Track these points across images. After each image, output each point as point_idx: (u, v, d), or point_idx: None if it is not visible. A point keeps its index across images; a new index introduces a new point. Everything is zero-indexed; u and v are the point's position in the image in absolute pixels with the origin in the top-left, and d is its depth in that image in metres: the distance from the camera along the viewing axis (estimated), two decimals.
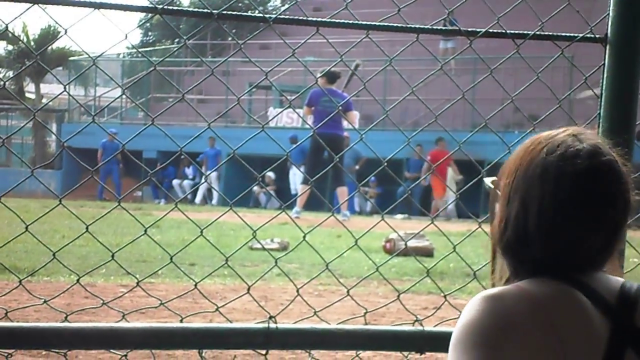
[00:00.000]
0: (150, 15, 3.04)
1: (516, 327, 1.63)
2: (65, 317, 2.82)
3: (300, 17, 2.91)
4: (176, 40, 36.85)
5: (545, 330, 1.63)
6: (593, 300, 1.67)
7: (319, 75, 13.80)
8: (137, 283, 2.98)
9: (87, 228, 2.91)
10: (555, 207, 1.69)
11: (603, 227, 1.70)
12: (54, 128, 29.48)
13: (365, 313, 3.20)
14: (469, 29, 3.06)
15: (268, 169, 3.84)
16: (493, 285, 1.81)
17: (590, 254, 1.71)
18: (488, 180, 1.89)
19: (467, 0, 3.03)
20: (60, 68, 31.66)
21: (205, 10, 2.84)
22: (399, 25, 2.95)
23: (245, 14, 3.28)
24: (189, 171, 26.31)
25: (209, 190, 24.42)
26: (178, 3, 36.12)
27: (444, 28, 3.25)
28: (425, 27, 3.01)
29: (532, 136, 1.79)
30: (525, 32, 3.10)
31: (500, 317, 1.64)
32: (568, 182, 1.69)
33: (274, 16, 2.85)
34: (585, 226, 1.69)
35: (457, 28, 2.99)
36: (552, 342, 1.62)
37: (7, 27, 2.98)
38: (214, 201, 24.29)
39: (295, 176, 22.08)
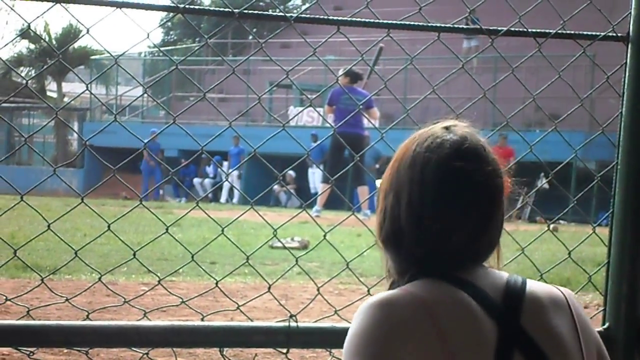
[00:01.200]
0: (171, 14, 3.05)
1: (405, 333, 1.61)
2: (87, 316, 2.83)
3: (321, 16, 2.91)
4: (197, 39, 36.93)
5: (434, 336, 1.60)
6: (479, 301, 1.65)
7: (340, 74, 13.79)
8: (159, 281, 2.99)
9: (109, 226, 2.92)
10: (421, 197, 1.69)
11: (470, 215, 1.69)
12: (75, 127, 29.62)
13: None
14: (491, 28, 3.05)
15: (289, 168, 3.84)
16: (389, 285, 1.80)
17: (462, 244, 1.69)
18: (378, 182, 1.88)
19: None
20: (82, 67, 31.79)
21: (227, 10, 2.84)
22: (420, 23, 2.94)
23: (266, 12, 3.29)
24: (210, 170, 26.37)
25: (231, 189, 24.48)
26: (199, 2, 36.20)
27: (465, 27, 3.24)
28: (446, 25, 3.00)
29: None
30: (547, 30, 3.08)
31: (389, 324, 1.62)
32: (432, 170, 1.69)
33: (295, 15, 2.85)
34: (451, 215, 1.68)
35: (478, 27, 2.98)
36: (441, 347, 1.60)
37: (29, 25, 3.00)
38: (235, 200, 24.33)
39: (315, 175, 22.10)
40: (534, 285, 1.73)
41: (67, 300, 2.93)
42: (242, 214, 3.32)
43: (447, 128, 1.76)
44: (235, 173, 24.06)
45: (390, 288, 1.75)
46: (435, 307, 1.62)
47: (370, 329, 1.62)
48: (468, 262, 1.71)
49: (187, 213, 3.57)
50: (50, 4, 2.85)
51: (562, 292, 1.76)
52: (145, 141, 3.07)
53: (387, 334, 1.61)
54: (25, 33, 27.75)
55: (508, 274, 1.75)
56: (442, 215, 1.68)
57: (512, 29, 3.06)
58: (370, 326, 1.63)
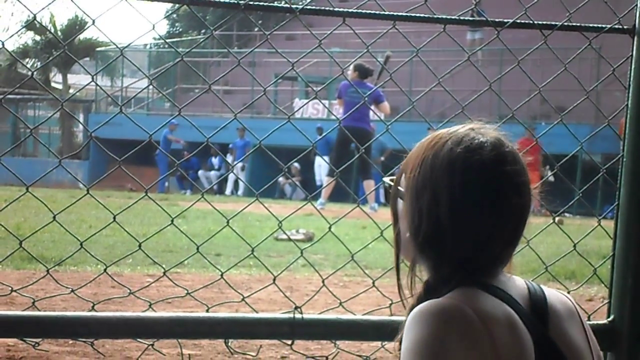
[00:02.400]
0: (177, 5, 3.05)
1: (468, 341, 1.61)
2: (92, 307, 2.84)
3: (327, 8, 2.91)
4: (202, 31, 36.92)
5: (488, 347, 1.61)
6: (517, 312, 1.67)
7: (350, 68, 13.76)
8: (164, 273, 3.00)
9: (114, 218, 2.93)
10: (464, 198, 1.69)
11: (511, 218, 1.71)
12: (81, 118, 29.63)
13: (391, 304, 3.20)
14: (497, 20, 3.04)
15: (294, 160, 3.85)
16: (400, 291, 1.80)
17: (499, 249, 1.71)
18: (387, 179, 1.86)
19: None
20: (88, 59, 31.79)
21: (233, 1, 2.84)
22: (426, 15, 2.94)
23: (271, 4, 3.28)
24: (216, 161, 26.38)
25: (236, 181, 24.49)
26: None
27: (471, 19, 3.23)
28: (453, 17, 3.00)
29: (432, 133, 1.79)
30: (553, 22, 3.08)
31: (454, 331, 1.62)
32: (476, 172, 1.69)
33: (300, 7, 2.85)
34: (495, 216, 1.69)
35: (484, 19, 2.98)
36: (494, 356, 1.61)
37: (35, 17, 3.00)
38: (240, 192, 24.34)
39: (321, 167, 22.09)
40: (550, 294, 1.76)
41: (72, 291, 2.94)
42: (247, 205, 3.32)
43: (473, 130, 1.75)
44: (240, 165, 24.06)
45: (426, 293, 1.73)
46: (487, 319, 1.63)
47: (433, 338, 1.62)
48: (498, 268, 1.73)
49: (192, 205, 3.58)
50: None
51: (568, 299, 1.80)
52: (164, 132, 3.06)
53: (449, 344, 1.61)
54: (31, 24, 27.79)
55: (525, 280, 1.77)
56: (486, 217, 1.69)
57: (518, 21, 3.05)
58: (433, 335, 1.62)
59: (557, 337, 1.70)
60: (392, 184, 1.84)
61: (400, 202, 1.80)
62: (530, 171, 1.76)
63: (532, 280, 1.80)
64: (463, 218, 1.68)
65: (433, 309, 1.64)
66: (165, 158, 23.75)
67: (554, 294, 1.77)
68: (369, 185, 15.13)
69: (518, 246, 1.77)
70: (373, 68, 14.25)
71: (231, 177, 24.34)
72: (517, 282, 1.75)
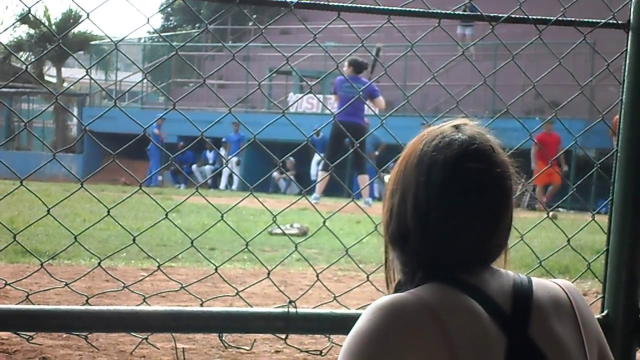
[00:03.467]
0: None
1: (411, 340, 1.59)
2: (87, 300, 2.84)
3: (322, 2, 2.91)
4: (197, 25, 36.89)
5: (441, 344, 1.58)
6: (488, 309, 1.62)
7: (344, 63, 13.75)
8: (159, 267, 2.99)
9: (108, 211, 2.92)
10: (427, 197, 1.67)
11: (477, 218, 1.67)
12: (75, 112, 29.60)
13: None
14: (491, 14, 3.04)
15: (288, 154, 3.85)
16: (388, 286, 1.77)
17: (469, 247, 1.67)
18: (386, 177, 1.86)
19: None
20: (82, 52, 31.75)
21: None
22: (421, 10, 2.94)
23: None
24: (210, 156, 26.38)
25: (230, 175, 24.49)
26: None
27: (465, 13, 3.24)
28: (447, 12, 3.00)
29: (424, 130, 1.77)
30: (547, 17, 3.08)
31: (395, 328, 1.59)
32: (439, 170, 1.67)
33: (295, 1, 2.84)
34: (458, 216, 1.66)
35: (478, 13, 2.98)
36: (448, 356, 1.58)
37: (29, 10, 2.99)
38: (234, 186, 24.35)
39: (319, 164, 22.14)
40: (539, 289, 1.70)
41: (66, 285, 2.94)
42: (242, 200, 3.32)
43: (456, 127, 1.72)
44: (235, 159, 24.06)
45: (396, 289, 1.73)
46: (444, 315, 1.60)
47: (374, 331, 1.60)
48: (476, 264, 1.68)
49: (186, 199, 3.58)
50: None
51: (562, 289, 1.73)
52: (148, 125, 3.06)
53: (390, 339, 1.59)
54: (25, 18, 27.72)
55: (514, 275, 1.72)
56: (448, 216, 1.66)
57: (513, 15, 3.05)
58: (374, 328, 1.60)
59: (540, 335, 1.64)
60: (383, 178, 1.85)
61: None
62: (550, 166, 1.73)
63: (525, 275, 1.75)
64: (426, 217, 1.66)
65: (383, 302, 1.62)
66: (157, 152, 23.74)
67: (545, 288, 1.71)
68: (363, 179, 15.15)
69: (511, 241, 1.75)
70: (367, 62, 14.25)
71: (225, 172, 24.34)
72: (502, 277, 1.69)
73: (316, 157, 22.12)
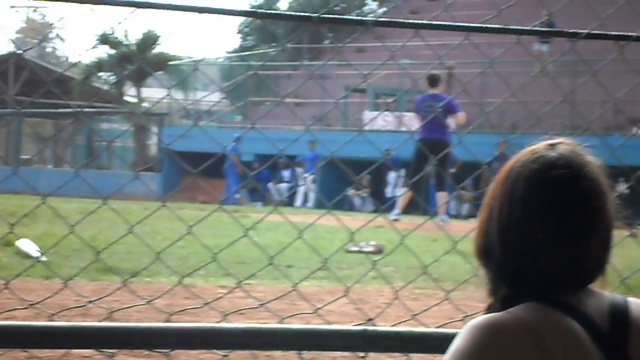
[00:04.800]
0: (250, 19, 3.08)
1: (514, 358, 1.57)
2: (168, 317, 2.87)
3: (400, 20, 2.92)
4: (273, 44, 37.16)
5: None
6: (587, 328, 1.60)
7: (419, 78, 13.77)
8: (238, 284, 3.02)
9: (189, 229, 2.96)
10: (509, 211, 1.66)
11: (560, 233, 1.64)
12: (154, 131, 29.99)
13: (464, 317, 3.18)
14: (571, 30, 3.02)
15: (365, 172, 3.84)
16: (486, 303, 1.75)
17: (558, 265, 1.64)
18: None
19: (566, 2, 2.99)
20: (161, 72, 32.21)
21: (306, 14, 2.86)
22: (500, 26, 2.92)
23: (344, 17, 3.29)
24: (286, 174, 26.50)
25: (305, 193, 24.58)
26: (276, 8, 36.37)
27: (545, 29, 3.22)
28: (526, 28, 2.98)
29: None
30: (627, 33, 3.04)
31: (494, 349, 1.58)
32: (522, 184, 1.66)
33: (373, 19, 2.85)
34: (538, 231, 1.64)
35: (558, 29, 2.95)
36: None
37: (111, 31, 3.05)
38: (310, 204, 24.42)
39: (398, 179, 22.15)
40: (635, 308, 1.68)
41: (148, 302, 2.98)
42: (319, 217, 3.34)
43: (551, 145, 1.71)
44: (310, 177, 24.14)
45: (488, 307, 1.71)
46: (543, 335, 1.59)
47: (474, 351, 1.59)
48: (572, 284, 1.66)
49: (265, 216, 3.60)
50: (132, 9, 2.90)
51: None
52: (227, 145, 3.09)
53: (493, 356, 1.58)
54: (106, 38, 28.23)
55: (609, 294, 1.70)
56: (529, 231, 1.64)
57: (593, 31, 3.02)
58: (475, 347, 1.59)
59: (638, 355, 1.62)
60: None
61: None
62: None
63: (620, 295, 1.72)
64: (507, 231, 1.66)
65: (482, 322, 1.62)
66: (234, 170, 23.92)
67: None
68: (441, 197, 15.06)
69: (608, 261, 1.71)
70: (440, 75, 14.24)
71: (301, 189, 24.42)
72: (599, 297, 1.68)
73: (392, 174, 22.08)
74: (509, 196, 1.67)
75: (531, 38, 20.72)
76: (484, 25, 2.90)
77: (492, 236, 1.69)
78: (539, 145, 1.72)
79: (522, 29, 2.96)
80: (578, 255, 1.66)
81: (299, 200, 24.94)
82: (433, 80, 13.94)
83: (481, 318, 1.63)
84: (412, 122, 14.42)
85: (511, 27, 2.89)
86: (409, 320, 3.10)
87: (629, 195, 2.41)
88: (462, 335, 1.63)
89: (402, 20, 2.88)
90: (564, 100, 2.91)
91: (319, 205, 22.26)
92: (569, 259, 1.65)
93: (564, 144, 1.72)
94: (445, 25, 2.90)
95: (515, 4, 3.36)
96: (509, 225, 1.66)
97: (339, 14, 29.17)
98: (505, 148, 16.73)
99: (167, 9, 2.88)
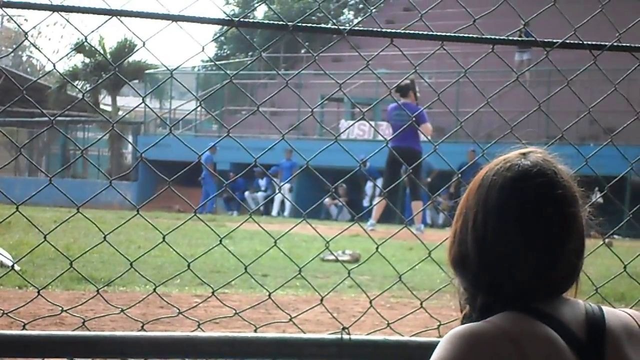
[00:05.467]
0: (225, 28, 3.08)
1: None
2: (142, 327, 2.86)
3: (375, 29, 2.92)
4: (250, 53, 37.15)
5: None
6: (564, 336, 1.61)
7: (393, 87, 13.83)
8: (213, 293, 3.01)
9: (164, 238, 2.95)
10: (484, 221, 1.66)
11: (535, 243, 1.65)
12: (130, 140, 29.90)
13: (439, 326, 3.19)
14: (546, 40, 3.03)
15: (341, 180, 3.85)
16: (461, 311, 1.76)
17: (532, 273, 1.65)
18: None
19: (541, 12, 3.01)
20: (137, 81, 32.12)
21: (281, 22, 2.86)
22: (475, 36, 2.94)
23: (320, 25, 3.29)
24: (263, 183, 26.48)
25: (282, 202, 24.58)
26: (252, 16, 36.42)
27: (519, 39, 3.23)
28: (501, 37, 3.00)
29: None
30: (602, 43, 3.06)
31: (477, 356, 1.59)
32: (496, 192, 1.67)
33: (348, 28, 2.85)
34: (514, 240, 1.64)
35: (533, 39, 2.97)
36: None
37: (85, 39, 3.04)
38: (286, 213, 24.41)
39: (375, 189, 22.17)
40: (611, 318, 1.69)
41: (122, 311, 2.96)
42: (295, 226, 3.34)
43: (523, 154, 1.72)
44: (287, 186, 24.13)
45: (463, 321, 1.72)
46: (522, 343, 1.59)
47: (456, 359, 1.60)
48: (547, 292, 1.67)
49: (240, 225, 3.60)
50: (107, 17, 2.89)
51: (633, 318, 1.72)
52: (201, 153, 3.09)
53: None
54: (81, 47, 28.12)
55: (585, 302, 1.71)
56: (504, 240, 1.65)
57: (568, 41, 3.04)
58: (455, 356, 1.60)
59: None
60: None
61: None
62: None
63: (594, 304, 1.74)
64: (482, 239, 1.66)
65: (462, 331, 1.62)
66: (211, 179, 23.87)
67: (616, 316, 1.70)
68: (416, 205, 15.10)
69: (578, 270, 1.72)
70: (410, 85, 14.32)
71: (277, 198, 24.41)
72: (574, 306, 1.69)
73: (369, 184, 22.11)
74: (483, 205, 1.68)
75: (512, 48, 20.83)
76: (459, 35, 2.92)
77: (467, 245, 1.69)
78: (511, 155, 1.73)
79: (497, 39, 2.97)
80: (554, 261, 1.67)
81: (275, 210, 24.92)
82: (402, 90, 14.04)
83: (461, 327, 1.64)
84: (387, 131, 14.49)
85: (486, 36, 2.90)
86: (384, 329, 3.10)
87: (603, 205, 2.42)
88: (443, 344, 1.63)
89: (377, 30, 2.89)
90: (538, 109, 2.91)
91: (295, 214, 22.25)
92: (545, 265, 1.66)
93: (536, 153, 1.73)
94: (420, 34, 2.91)
95: (491, 14, 3.38)
96: (484, 233, 1.66)
97: (315, 24, 29.19)
98: (478, 157, 16.85)
99: (142, 17, 2.87)
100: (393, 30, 2.90)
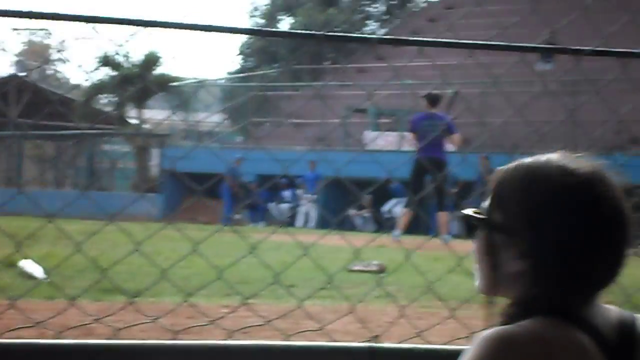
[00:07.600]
0: (252, 40, 3.10)
1: None
2: (174, 336, 2.87)
3: (404, 37, 2.93)
4: (274, 65, 37.24)
5: None
6: (596, 341, 1.62)
7: (422, 97, 13.87)
8: (243, 302, 3.02)
9: (193, 248, 2.97)
10: (555, 232, 1.65)
11: (600, 252, 1.65)
12: (155, 152, 30.00)
13: (469, 335, 3.18)
14: (575, 47, 3.03)
15: (367, 191, 3.85)
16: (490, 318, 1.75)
17: (594, 282, 1.66)
18: (470, 211, 1.79)
19: (570, 19, 3.01)
20: (163, 93, 32.24)
21: (311, 32, 2.88)
22: (504, 44, 2.94)
23: (350, 34, 3.29)
24: (287, 194, 26.49)
25: (306, 213, 24.58)
26: (276, 27, 36.50)
27: (549, 47, 3.23)
28: (531, 45, 3.00)
29: (520, 164, 1.73)
30: (632, 50, 3.05)
31: (510, 359, 1.59)
32: (555, 207, 1.65)
33: (378, 37, 2.87)
34: (586, 254, 1.64)
35: (562, 47, 2.97)
36: None
37: (116, 52, 3.07)
38: (311, 224, 24.39)
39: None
40: None
41: (154, 320, 2.98)
42: (322, 236, 3.35)
43: (563, 165, 1.71)
44: (312, 197, 24.13)
45: (506, 320, 1.71)
46: (554, 348, 1.60)
47: None
48: (584, 297, 1.68)
49: (268, 236, 3.61)
50: (135, 28, 2.90)
51: None
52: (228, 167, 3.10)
53: None
54: (107, 60, 28.29)
55: (619, 310, 1.72)
56: (569, 253, 1.65)
57: (597, 48, 3.03)
58: (490, 358, 1.61)
59: None
60: (475, 215, 1.79)
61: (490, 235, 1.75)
62: None
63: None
64: (543, 255, 1.65)
65: (494, 334, 1.63)
66: (229, 192, 23.88)
67: None
68: (442, 216, 15.04)
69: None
70: (441, 95, 14.30)
71: (301, 210, 24.40)
72: (607, 311, 1.70)
73: (393, 201, 22.12)
74: (540, 220, 1.66)
75: (534, 57, 20.78)
76: (488, 42, 2.91)
77: (524, 258, 1.68)
78: (550, 169, 1.70)
79: (526, 46, 2.97)
80: (613, 273, 1.68)
81: (300, 221, 24.92)
82: (433, 100, 13.98)
83: (493, 330, 1.64)
84: (412, 142, 14.45)
85: (514, 44, 2.90)
86: (413, 337, 3.10)
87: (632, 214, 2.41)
88: (475, 347, 1.64)
89: (406, 38, 2.90)
90: (566, 119, 2.93)
91: (320, 225, 22.24)
92: (611, 277, 1.68)
93: (581, 160, 1.72)
94: (449, 42, 2.91)
95: (518, 24, 3.38)
96: (557, 243, 1.65)
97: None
98: (489, 164, 16.76)
99: (172, 28, 2.89)
100: (422, 39, 2.90)
